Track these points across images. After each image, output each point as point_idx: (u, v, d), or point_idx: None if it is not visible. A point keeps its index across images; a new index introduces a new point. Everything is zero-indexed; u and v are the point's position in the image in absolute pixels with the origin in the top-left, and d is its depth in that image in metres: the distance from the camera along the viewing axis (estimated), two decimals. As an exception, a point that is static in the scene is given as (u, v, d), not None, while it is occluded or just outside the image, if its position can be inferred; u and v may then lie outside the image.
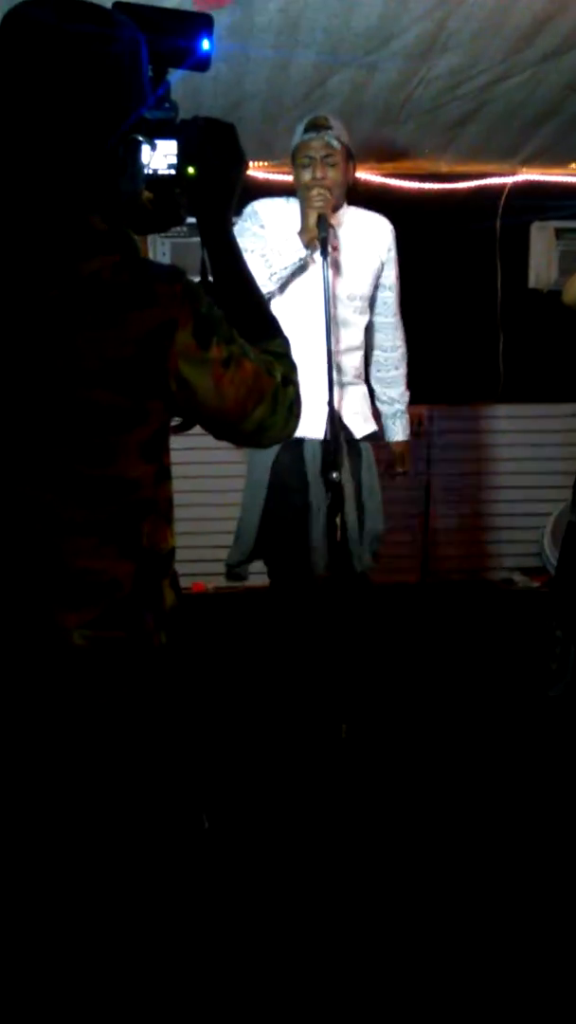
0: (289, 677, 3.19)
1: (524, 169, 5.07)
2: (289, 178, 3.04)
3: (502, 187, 5.12)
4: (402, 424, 3.38)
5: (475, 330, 5.30)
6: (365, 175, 4.87)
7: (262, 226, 2.95)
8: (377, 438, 3.25)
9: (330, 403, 2.80)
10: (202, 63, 1.45)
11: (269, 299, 2.91)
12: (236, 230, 2.95)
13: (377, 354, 3.28)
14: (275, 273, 2.86)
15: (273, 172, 4.78)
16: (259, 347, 1.37)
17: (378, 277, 3.11)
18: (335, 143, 2.86)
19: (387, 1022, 2.06)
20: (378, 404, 3.35)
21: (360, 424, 3.12)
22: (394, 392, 3.35)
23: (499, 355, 5.30)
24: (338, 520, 2.84)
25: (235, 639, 4.38)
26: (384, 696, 3.63)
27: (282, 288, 2.94)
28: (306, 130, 2.88)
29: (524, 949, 2.27)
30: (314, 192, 2.83)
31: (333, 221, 2.89)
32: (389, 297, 3.16)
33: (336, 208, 2.92)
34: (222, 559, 5.03)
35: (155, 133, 1.36)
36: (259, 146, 4.57)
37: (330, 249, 2.81)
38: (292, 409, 1.38)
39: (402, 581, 5.28)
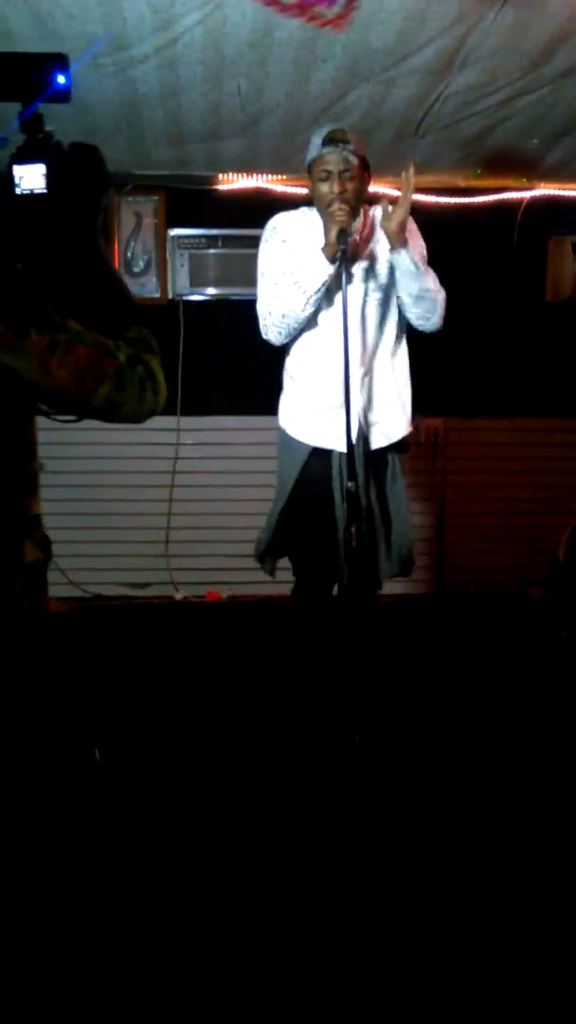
0: (303, 685, 3.21)
1: (542, 184, 5.09)
2: (306, 191, 3.06)
3: (519, 202, 5.15)
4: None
5: (491, 344, 5.32)
6: (382, 189, 4.91)
7: (284, 240, 3.00)
8: (405, 447, 3.23)
9: (347, 415, 2.84)
10: (60, 95, 1.64)
11: (311, 315, 2.96)
12: (260, 252, 3.03)
13: None
14: (309, 297, 2.89)
15: (291, 185, 4.83)
16: (117, 335, 1.56)
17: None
18: (352, 158, 2.89)
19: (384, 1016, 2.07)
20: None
21: (388, 432, 3.11)
22: None
23: (515, 369, 5.31)
24: (353, 530, 2.87)
25: (249, 647, 4.40)
26: (398, 707, 3.64)
27: (315, 309, 2.97)
28: (324, 143, 2.90)
29: (529, 954, 2.28)
30: (335, 207, 2.86)
31: (354, 228, 2.92)
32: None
33: (355, 215, 2.95)
34: (236, 568, 5.10)
35: (22, 158, 1.59)
36: (277, 160, 4.62)
37: (350, 257, 2.85)
38: (145, 386, 1.57)
39: (417, 593, 5.29)
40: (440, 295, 3.07)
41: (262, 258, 3.05)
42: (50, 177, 1.59)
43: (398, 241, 2.92)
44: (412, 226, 3.10)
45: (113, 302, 1.65)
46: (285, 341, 3.03)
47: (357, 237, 2.99)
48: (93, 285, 1.64)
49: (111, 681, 4.01)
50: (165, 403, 1.64)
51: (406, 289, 2.99)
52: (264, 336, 3.03)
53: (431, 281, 3.02)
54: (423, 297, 3.00)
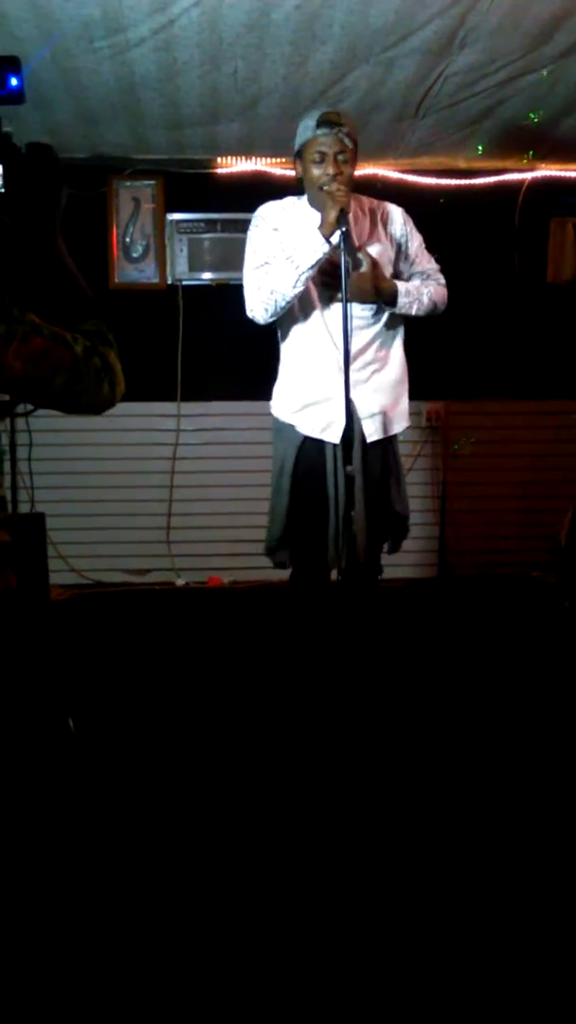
0: (303, 670, 3.20)
1: (543, 165, 5.06)
2: (306, 174, 3.02)
3: (520, 183, 5.12)
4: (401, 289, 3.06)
5: (493, 326, 5.29)
6: (383, 171, 4.89)
7: (275, 229, 2.96)
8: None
9: (346, 400, 2.82)
10: (13, 97, 1.69)
11: (299, 295, 2.93)
12: (249, 236, 3.00)
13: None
14: (301, 274, 2.85)
15: (290, 168, 4.77)
16: (75, 328, 1.61)
17: (399, 261, 3.10)
18: (347, 141, 2.85)
19: (385, 1014, 2.06)
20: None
21: (385, 424, 3.10)
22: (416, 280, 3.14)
23: (517, 350, 5.29)
24: (353, 514, 2.86)
25: (251, 632, 4.40)
26: (400, 688, 3.64)
27: (307, 293, 2.95)
28: (319, 125, 2.86)
29: (527, 937, 2.27)
30: (334, 187, 2.81)
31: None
32: (416, 263, 3.15)
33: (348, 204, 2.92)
34: (237, 553, 5.09)
35: None
36: (276, 143, 4.59)
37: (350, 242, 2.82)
38: (101, 377, 1.60)
39: (420, 577, 5.29)
40: (440, 300, 3.13)
41: (252, 240, 3.01)
42: (7, 177, 1.65)
43: (378, 298, 3.00)
44: (404, 219, 3.10)
45: (70, 296, 1.71)
46: (270, 319, 3.00)
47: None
48: (51, 279, 1.70)
49: (113, 666, 4.02)
50: (123, 394, 1.67)
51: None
52: (249, 314, 3.00)
53: (426, 304, 3.08)
54: (422, 315, 3.11)
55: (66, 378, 1.56)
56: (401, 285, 3.03)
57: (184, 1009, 2.04)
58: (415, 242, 3.14)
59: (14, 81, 1.68)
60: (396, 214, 3.11)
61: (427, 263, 3.16)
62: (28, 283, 1.67)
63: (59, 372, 1.55)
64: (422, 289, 3.07)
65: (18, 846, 1.77)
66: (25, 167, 1.65)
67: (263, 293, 2.92)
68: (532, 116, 4.34)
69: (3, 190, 1.64)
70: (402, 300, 3.01)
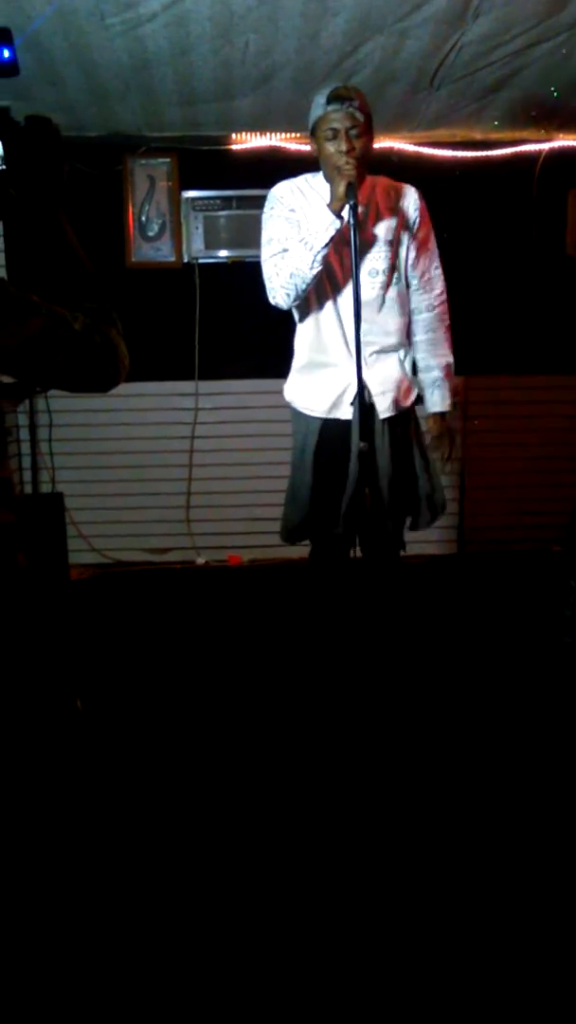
0: (320, 647, 3.21)
1: (560, 135, 5.00)
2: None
3: (538, 153, 5.06)
4: (439, 394, 3.19)
5: (511, 300, 5.25)
6: (398, 144, 4.85)
7: (292, 210, 2.94)
8: (419, 399, 3.20)
9: (359, 378, 2.83)
10: (6, 69, 1.68)
11: (318, 274, 2.90)
12: (264, 221, 2.99)
13: (415, 317, 3.17)
14: (316, 254, 2.83)
15: (305, 143, 4.74)
16: (77, 307, 1.61)
17: (404, 245, 3.05)
18: (359, 115, 2.82)
19: (384, 1015, 2.03)
20: (420, 373, 3.20)
21: (394, 400, 3.08)
22: (431, 358, 3.17)
23: (535, 324, 5.25)
24: (367, 491, 2.86)
25: (270, 610, 4.41)
26: (421, 667, 3.64)
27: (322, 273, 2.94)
28: (329, 101, 2.83)
29: (529, 938, 2.25)
30: (343, 161, 2.79)
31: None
32: (419, 259, 3.08)
33: (360, 180, 2.89)
34: (256, 531, 5.10)
35: None
36: (291, 117, 4.54)
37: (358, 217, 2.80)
38: (102, 355, 1.60)
39: (440, 553, 5.29)
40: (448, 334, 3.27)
41: (268, 225, 2.99)
42: (8, 153, 1.61)
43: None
44: (419, 199, 3.07)
45: (73, 274, 1.69)
46: (294, 303, 2.98)
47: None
48: (54, 257, 1.68)
49: (133, 644, 4.04)
50: (128, 373, 1.66)
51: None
52: (272, 300, 2.98)
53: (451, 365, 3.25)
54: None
55: (65, 357, 1.55)
56: (443, 397, 3.22)
57: (184, 1008, 2.03)
58: (423, 231, 3.08)
59: (6, 53, 1.66)
60: (411, 192, 3.07)
61: (430, 269, 3.13)
62: (31, 260, 1.66)
63: (58, 352, 1.55)
64: (444, 366, 3.22)
65: (17, 830, 1.79)
66: (25, 142, 1.62)
67: (283, 278, 2.91)
68: (555, 92, 4.29)
69: (4, 166, 1.60)
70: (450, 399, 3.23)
